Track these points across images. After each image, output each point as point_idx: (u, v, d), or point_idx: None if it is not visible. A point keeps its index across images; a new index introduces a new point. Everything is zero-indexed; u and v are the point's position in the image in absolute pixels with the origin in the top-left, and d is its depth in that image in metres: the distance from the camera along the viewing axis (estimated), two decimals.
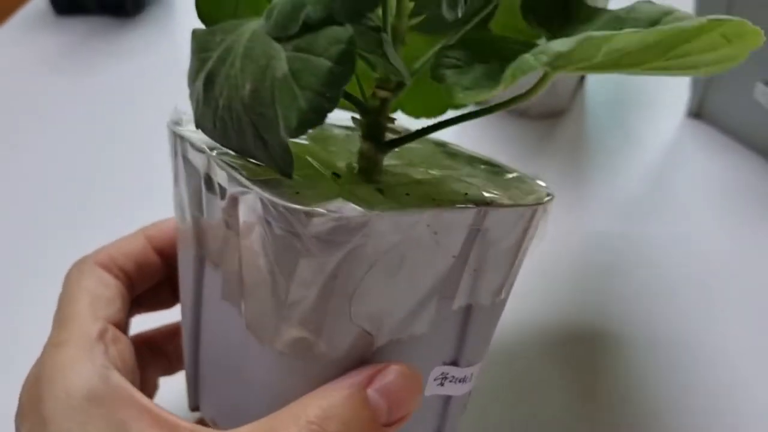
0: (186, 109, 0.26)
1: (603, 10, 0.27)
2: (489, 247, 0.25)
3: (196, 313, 0.28)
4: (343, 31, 0.19)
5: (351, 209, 0.21)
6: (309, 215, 0.21)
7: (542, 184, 0.29)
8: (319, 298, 0.22)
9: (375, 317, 0.24)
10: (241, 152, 0.22)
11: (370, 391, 0.23)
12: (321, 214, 0.21)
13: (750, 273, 0.47)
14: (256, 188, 0.22)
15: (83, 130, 0.57)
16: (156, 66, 0.64)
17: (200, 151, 0.25)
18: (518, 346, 0.42)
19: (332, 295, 0.22)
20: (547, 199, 0.27)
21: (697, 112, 0.58)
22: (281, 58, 0.19)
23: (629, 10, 0.25)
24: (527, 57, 0.20)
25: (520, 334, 0.42)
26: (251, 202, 0.22)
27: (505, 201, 0.26)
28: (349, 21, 0.19)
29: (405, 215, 0.22)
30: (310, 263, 0.22)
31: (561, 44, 0.20)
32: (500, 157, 0.32)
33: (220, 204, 0.24)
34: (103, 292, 0.27)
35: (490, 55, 0.23)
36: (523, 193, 0.27)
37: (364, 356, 0.24)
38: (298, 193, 0.22)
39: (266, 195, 0.21)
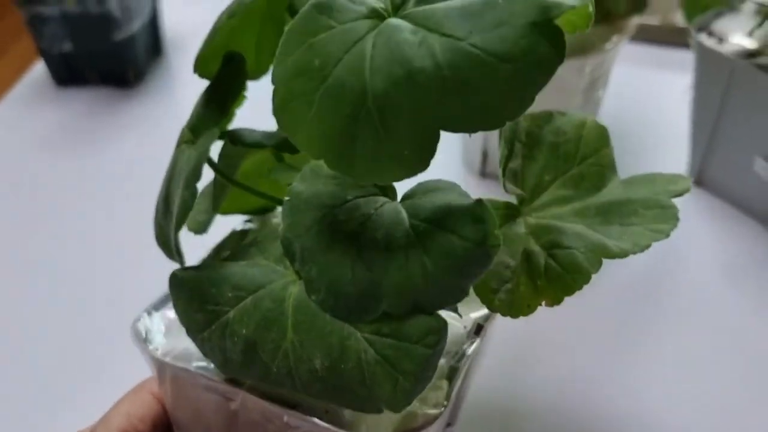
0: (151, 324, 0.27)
1: None
2: None
3: None
4: (435, 322, 0.21)
5: None
6: None
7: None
8: None
9: None
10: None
11: None
12: None
13: (752, 346, 0.47)
14: None
15: (85, 210, 0.57)
16: (157, 138, 0.64)
17: None
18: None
19: None
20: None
21: (697, 179, 0.59)
22: (360, 339, 0.20)
23: None
24: None
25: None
26: None
27: None
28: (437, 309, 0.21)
29: None
30: None
31: None
32: None
33: None
34: None
35: None
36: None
37: None
38: None
39: None
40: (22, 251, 0.54)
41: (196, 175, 0.23)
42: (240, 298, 0.22)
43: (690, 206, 0.57)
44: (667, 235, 0.25)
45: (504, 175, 0.25)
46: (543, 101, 0.54)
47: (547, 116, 0.28)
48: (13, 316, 0.49)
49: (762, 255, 0.53)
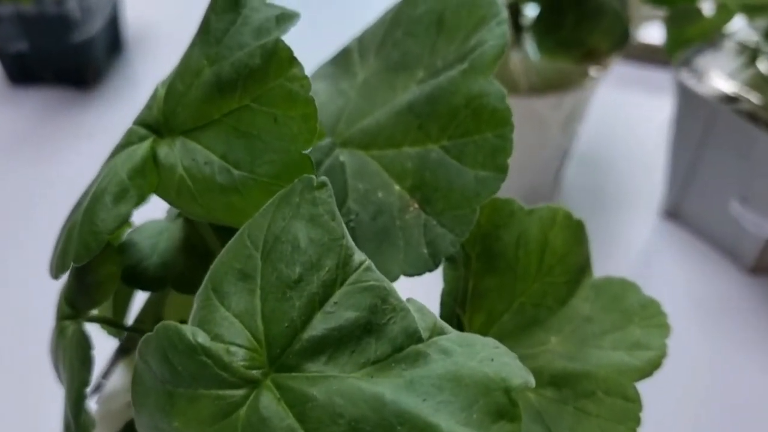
0: None
1: None
2: None
3: None
4: None
5: None
6: None
7: None
8: None
9: None
10: None
11: None
12: None
13: (716, 382, 0.47)
14: None
15: (33, 220, 0.55)
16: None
17: None
18: None
19: None
20: None
21: (672, 212, 0.57)
22: None
23: None
24: None
25: None
26: None
27: None
28: None
29: None
30: None
31: None
32: None
33: None
34: None
35: None
36: None
37: None
38: None
39: None
40: None
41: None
42: None
43: (663, 239, 0.56)
44: None
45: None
46: (521, 135, 0.52)
47: (508, 214, 0.26)
48: None
49: (731, 293, 0.53)
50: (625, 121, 0.67)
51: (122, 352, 0.29)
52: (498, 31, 0.23)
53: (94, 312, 0.24)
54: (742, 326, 0.51)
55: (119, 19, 0.69)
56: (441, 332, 0.18)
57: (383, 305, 0.17)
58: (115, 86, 0.68)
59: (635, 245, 0.57)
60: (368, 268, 0.18)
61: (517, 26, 0.51)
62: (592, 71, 0.50)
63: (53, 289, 0.44)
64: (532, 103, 0.49)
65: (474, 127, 0.23)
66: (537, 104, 0.49)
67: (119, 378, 0.28)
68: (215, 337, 0.17)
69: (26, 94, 0.66)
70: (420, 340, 0.17)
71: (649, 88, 0.70)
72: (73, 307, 0.23)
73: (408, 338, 0.17)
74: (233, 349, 0.17)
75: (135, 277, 0.24)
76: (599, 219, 0.59)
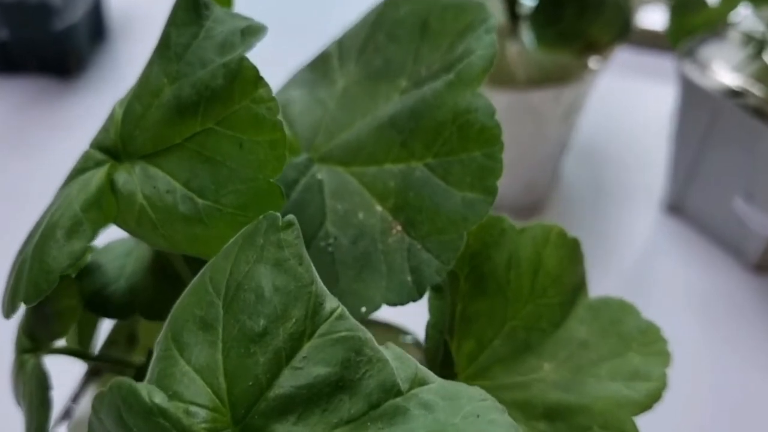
0: None
1: None
2: None
3: None
4: None
5: None
6: None
7: None
8: None
9: None
10: None
11: None
12: None
13: (718, 379, 0.46)
14: None
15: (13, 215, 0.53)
16: None
17: None
18: None
19: None
20: None
21: (674, 206, 0.56)
22: None
23: None
24: None
25: None
26: None
27: None
28: None
29: None
30: None
31: None
32: None
33: None
34: None
35: None
36: None
37: None
38: None
39: None
40: None
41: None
42: None
43: (665, 235, 0.55)
44: None
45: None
46: (518, 128, 0.50)
47: (498, 232, 0.24)
48: None
49: (734, 290, 0.51)
50: (625, 110, 0.65)
51: (92, 375, 0.27)
52: (486, 39, 0.21)
53: (56, 343, 0.22)
54: (745, 324, 0.49)
55: (102, 5, 0.67)
56: (423, 382, 0.16)
57: (357, 357, 0.16)
58: (98, 74, 0.66)
59: (636, 240, 0.55)
60: (341, 317, 0.16)
61: (514, 15, 0.49)
62: (592, 63, 0.48)
63: None
64: (530, 96, 0.47)
65: (460, 146, 0.21)
66: (535, 98, 0.47)
67: (89, 402, 0.27)
68: (174, 396, 0.16)
69: (8, 84, 0.64)
70: (399, 393, 0.16)
71: (651, 74, 0.68)
72: (33, 339, 0.21)
73: (385, 393, 0.16)
74: (193, 409, 0.16)
75: (100, 305, 0.23)
76: (599, 212, 0.57)
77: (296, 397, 0.15)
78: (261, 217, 0.16)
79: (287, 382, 0.16)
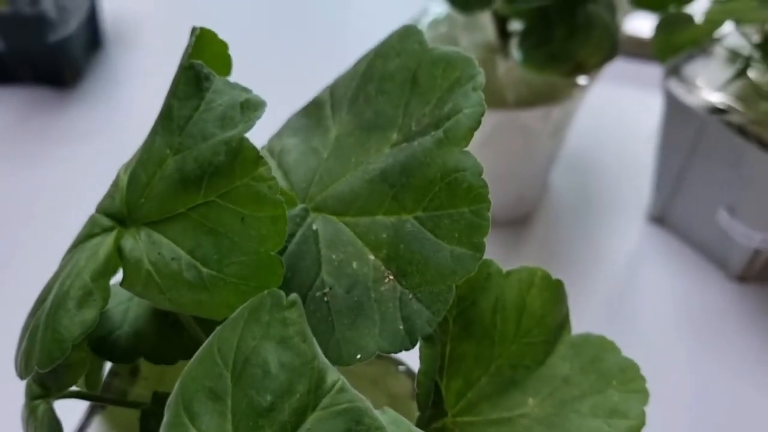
0: None
1: None
2: None
3: None
4: None
5: None
6: None
7: None
8: None
9: None
10: None
11: None
12: None
13: (702, 392, 0.47)
14: None
15: (14, 223, 0.54)
16: (96, 148, 0.60)
17: None
18: None
19: None
20: None
21: (660, 217, 0.57)
22: None
23: None
24: None
25: None
26: None
27: None
28: None
29: None
30: None
31: None
32: None
33: None
34: None
35: None
36: None
37: None
38: None
39: None
40: None
41: None
42: None
43: (650, 244, 0.56)
44: None
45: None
46: (508, 145, 0.51)
47: (484, 277, 0.25)
48: None
49: (717, 300, 0.53)
50: (613, 119, 0.67)
51: (96, 408, 0.28)
52: (474, 98, 0.22)
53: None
54: (728, 333, 0.51)
55: (97, 15, 0.67)
56: None
57: (357, 427, 0.17)
58: (95, 84, 0.66)
59: (622, 250, 0.56)
60: (342, 389, 0.17)
61: (504, 33, 0.50)
62: (581, 80, 0.49)
63: (26, 294, 0.42)
64: (520, 115, 0.48)
65: (449, 202, 0.22)
66: (525, 117, 0.48)
67: None
68: None
69: (4, 95, 0.64)
70: None
71: (638, 83, 0.69)
72: (43, 387, 0.22)
73: None
74: None
75: (106, 350, 0.24)
76: (586, 221, 0.58)
77: None
78: (266, 293, 0.18)
79: None
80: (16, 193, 0.57)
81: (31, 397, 0.22)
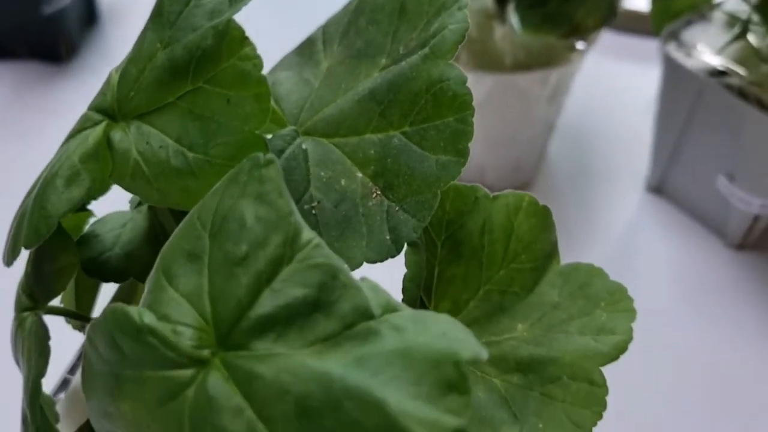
0: None
1: None
2: None
3: None
4: None
5: None
6: None
7: None
8: None
9: None
10: None
11: None
12: None
13: (701, 360, 0.47)
14: None
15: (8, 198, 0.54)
16: None
17: None
18: None
19: None
20: None
21: (658, 187, 0.57)
22: None
23: None
24: None
25: None
26: None
27: None
28: None
29: None
30: None
31: None
32: None
33: None
34: None
35: None
36: None
37: None
38: None
39: None
40: None
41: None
42: None
43: (649, 214, 0.56)
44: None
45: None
46: (506, 110, 0.52)
47: (472, 200, 0.25)
48: None
49: (716, 269, 0.52)
50: (610, 92, 0.67)
51: None
52: (459, 15, 0.23)
53: (56, 304, 0.24)
54: (726, 301, 0.51)
55: None
56: (394, 309, 0.17)
57: (333, 282, 0.17)
58: (90, 59, 0.66)
59: (620, 219, 0.56)
60: (317, 246, 0.17)
61: None
62: (579, 44, 0.49)
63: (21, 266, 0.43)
64: (517, 78, 0.48)
65: (435, 113, 0.22)
66: (522, 80, 0.48)
67: None
68: (162, 318, 0.17)
69: None
70: (371, 317, 0.17)
71: (636, 57, 0.69)
72: (32, 299, 0.22)
73: (359, 315, 0.17)
74: (180, 328, 0.17)
75: (96, 269, 0.24)
76: (584, 191, 0.58)
77: (275, 317, 0.17)
78: (245, 159, 0.18)
79: (267, 302, 0.17)
80: (11, 167, 0.57)
81: (20, 309, 0.23)
